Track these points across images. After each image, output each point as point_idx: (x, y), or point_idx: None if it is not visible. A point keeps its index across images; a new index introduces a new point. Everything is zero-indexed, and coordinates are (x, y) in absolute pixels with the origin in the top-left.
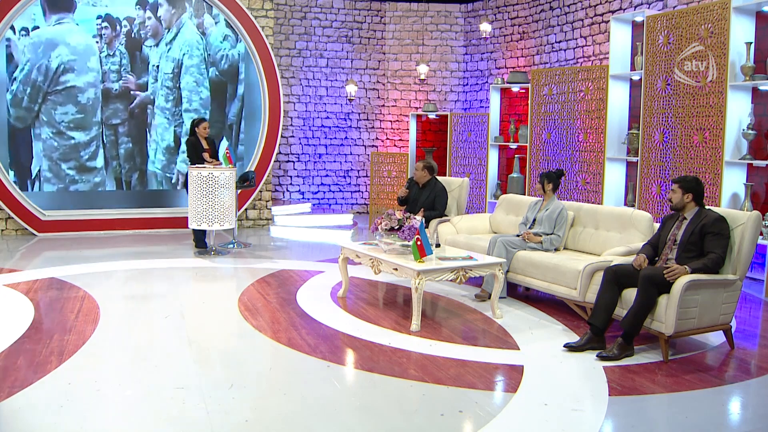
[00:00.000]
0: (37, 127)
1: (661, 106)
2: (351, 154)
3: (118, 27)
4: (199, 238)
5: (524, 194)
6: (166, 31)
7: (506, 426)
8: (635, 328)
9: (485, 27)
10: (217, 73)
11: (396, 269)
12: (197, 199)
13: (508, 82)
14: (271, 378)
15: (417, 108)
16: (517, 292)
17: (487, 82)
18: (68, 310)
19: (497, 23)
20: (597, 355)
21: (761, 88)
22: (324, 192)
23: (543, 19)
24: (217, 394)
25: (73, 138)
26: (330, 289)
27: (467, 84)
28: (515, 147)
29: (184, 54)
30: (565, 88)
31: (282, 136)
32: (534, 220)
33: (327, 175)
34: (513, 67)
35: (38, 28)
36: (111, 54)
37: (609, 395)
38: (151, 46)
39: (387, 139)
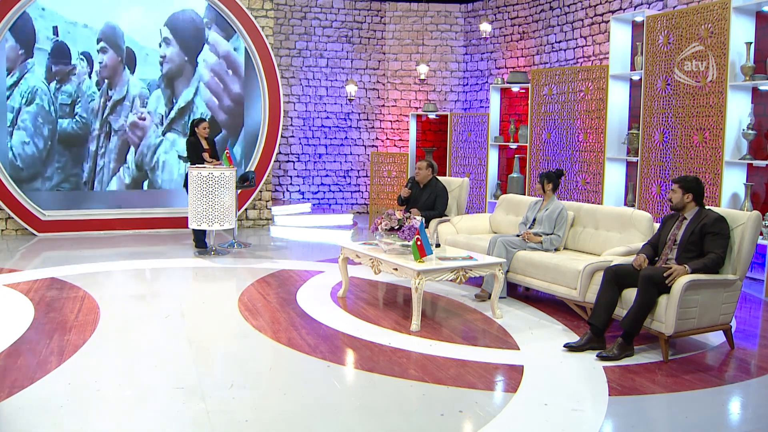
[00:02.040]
0: None
1: (661, 106)
2: (351, 154)
3: None
4: (199, 238)
5: (524, 194)
6: (7, 75)
7: (506, 426)
8: (635, 328)
9: (485, 27)
10: (77, 124)
11: (396, 269)
12: (197, 199)
13: (508, 82)
14: (271, 378)
15: (417, 108)
16: (517, 292)
17: (487, 82)
18: (68, 310)
19: (497, 23)
20: (597, 355)
21: (761, 88)
22: (324, 192)
23: (543, 19)
24: (217, 394)
25: None
26: (330, 289)
27: (467, 84)
28: (515, 147)
29: (26, 102)
30: (565, 88)
31: (282, 136)
32: (534, 220)
33: (327, 175)
34: (513, 67)
35: None
36: None
37: (609, 395)
38: None
39: (387, 139)
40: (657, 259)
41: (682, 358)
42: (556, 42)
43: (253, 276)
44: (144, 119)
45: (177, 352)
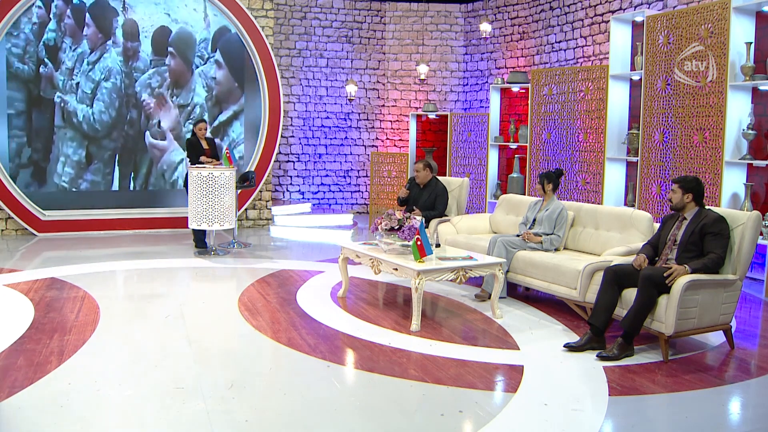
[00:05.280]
0: None
1: (661, 106)
2: (351, 154)
3: None
4: (199, 238)
5: (524, 194)
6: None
7: (506, 426)
8: (635, 328)
9: (485, 27)
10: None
11: (396, 269)
12: (197, 199)
13: (508, 82)
14: (271, 378)
15: (417, 108)
16: (517, 292)
17: (487, 82)
18: (68, 310)
19: (497, 23)
20: (597, 355)
21: (761, 88)
22: (324, 192)
23: (543, 19)
24: (217, 394)
25: None
26: (330, 289)
27: (467, 84)
28: (515, 147)
29: None
30: (565, 88)
31: (282, 136)
32: (534, 220)
33: (327, 175)
34: (513, 67)
35: None
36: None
37: (609, 395)
38: None
39: (387, 139)
40: (657, 259)
41: (682, 358)
42: (556, 42)
43: (253, 276)
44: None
45: (177, 352)
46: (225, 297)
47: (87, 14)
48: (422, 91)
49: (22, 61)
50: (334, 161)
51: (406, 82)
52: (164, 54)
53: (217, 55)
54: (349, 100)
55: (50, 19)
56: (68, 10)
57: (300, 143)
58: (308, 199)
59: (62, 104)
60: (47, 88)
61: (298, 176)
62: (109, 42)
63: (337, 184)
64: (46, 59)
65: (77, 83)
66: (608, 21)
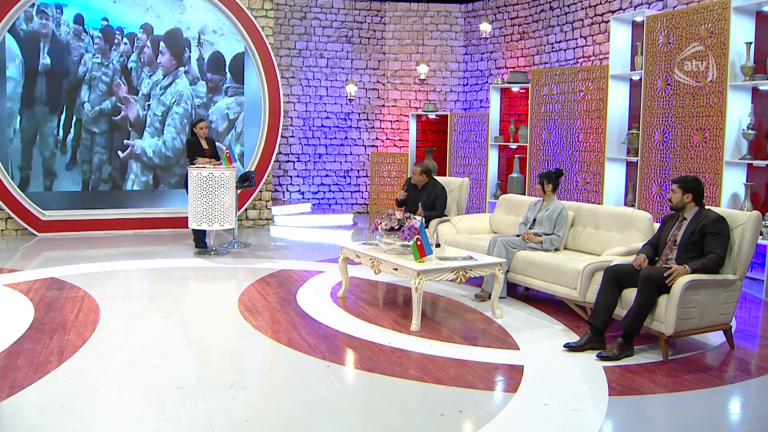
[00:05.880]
0: None
1: (661, 106)
2: (351, 154)
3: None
4: (199, 238)
5: (524, 194)
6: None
7: (506, 426)
8: (635, 328)
9: (485, 27)
10: None
11: (396, 269)
12: (197, 199)
13: (508, 82)
14: (271, 378)
15: (417, 108)
16: (517, 292)
17: (487, 82)
18: (68, 310)
19: (497, 23)
20: (597, 355)
21: (761, 88)
22: (324, 192)
23: (543, 19)
24: (217, 394)
25: None
26: (330, 289)
27: (467, 84)
28: (515, 147)
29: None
30: (565, 88)
31: (282, 136)
32: (534, 220)
33: (327, 175)
34: (513, 67)
35: None
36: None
37: (609, 395)
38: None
39: (387, 139)
40: (657, 259)
41: (682, 358)
42: (556, 42)
43: (253, 276)
44: None
45: (177, 352)
46: (225, 297)
47: (161, 42)
48: (422, 91)
49: (110, 88)
50: (334, 161)
51: (406, 82)
52: (241, 80)
53: None
54: (349, 100)
55: (133, 51)
56: (147, 41)
57: (300, 143)
58: (308, 199)
59: (130, 139)
60: (127, 117)
61: (298, 176)
62: (181, 68)
63: (337, 184)
64: (123, 83)
65: (149, 104)
66: (608, 21)
